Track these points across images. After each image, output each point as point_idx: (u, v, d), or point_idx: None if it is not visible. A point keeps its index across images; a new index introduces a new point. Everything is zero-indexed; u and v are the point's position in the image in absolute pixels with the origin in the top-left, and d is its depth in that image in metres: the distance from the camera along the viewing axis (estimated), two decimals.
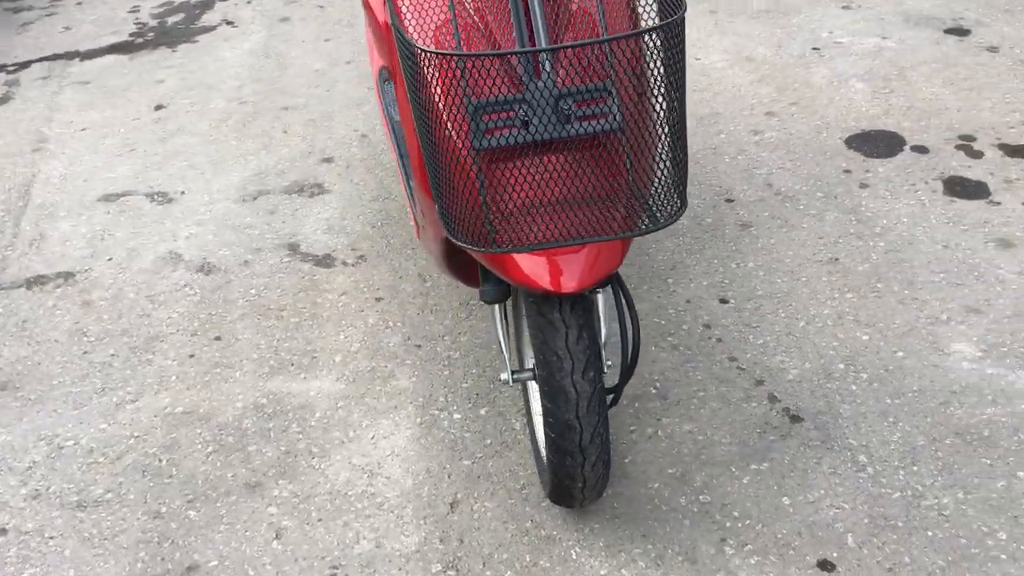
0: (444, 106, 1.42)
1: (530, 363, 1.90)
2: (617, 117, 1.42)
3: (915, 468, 1.87)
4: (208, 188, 3.02)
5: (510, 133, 1.41)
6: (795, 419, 2.00)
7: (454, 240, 1.43)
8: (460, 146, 1.42)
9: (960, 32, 3.71)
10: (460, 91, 1.39)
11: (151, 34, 4.29)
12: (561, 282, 1.48)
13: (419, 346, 2.29)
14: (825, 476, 1.87)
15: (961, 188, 2.73)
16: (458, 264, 1.85)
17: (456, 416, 2.08)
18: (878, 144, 2.99)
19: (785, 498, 1.83)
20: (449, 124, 1.42)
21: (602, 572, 1.71)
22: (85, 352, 2.35)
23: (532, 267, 1.49)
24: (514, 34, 1.51)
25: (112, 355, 2.34)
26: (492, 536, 1.80)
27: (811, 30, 3.84)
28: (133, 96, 3.69)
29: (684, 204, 1.40)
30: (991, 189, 2.71)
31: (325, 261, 2.62)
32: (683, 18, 1.30)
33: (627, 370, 1.63)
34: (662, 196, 1.40)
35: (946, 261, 2.44)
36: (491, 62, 1.42)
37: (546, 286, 1.48)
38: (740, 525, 1.78)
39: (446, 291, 2.47)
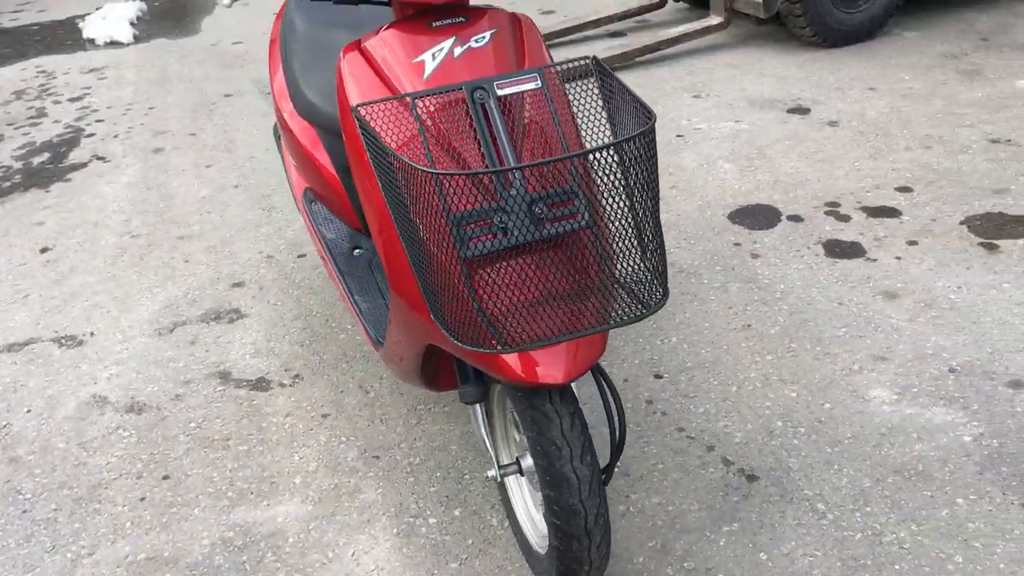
0: (430, 219, 1.50)
1: (505, 458, 1.96)
2: (586, 216, 1.55)
3: (868, 509, 2.03)
4: (118, 326, 2.95)
5: (493, 240, 1.51)
6: (751, 478, 2.14)
7: (459, 344, 1.50)
8: (449, 256, 1.51)
9: (801, 111, 4.10)
10: (442, 204, 1.48)
11: (18, 176, 4.17)
12: (554, 374, 1.57)
13: (377, 457, 2.31)
14: (792, 528, 2.00)
15: (839, 249, 3.01)
16: (430, 370, 1.90)
17: (432, 521, 2.10)
18: (758, 217, 3.25)
19: (762, 554, 1.95)
20: (436, 235, 1.51)
21: None
22: (24, 511, 2.24)
23: (524, 363, 1.57)
24: (481, 148, 1.62)
25: (55, 510, 2.23)
26: None
27: (671, 119, 4.15)
28: (14, 241, 3.57)
29: (666, 293, 1.52)
30: (865, 248, 3.00)
31: (261, 385, 2.61)
32: (653, 127, 1.44)
33: (617, 448, 1.72)
34: (646, 286, 1.52)
35: (844, 316, 2.67)
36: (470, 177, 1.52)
37: (541, 380, 1.56)
38: None
39: (390, 400, 2.50)
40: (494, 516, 2.10)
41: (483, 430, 1.84)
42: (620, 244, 1.53)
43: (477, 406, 1.83)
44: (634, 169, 1.46)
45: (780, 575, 1.89)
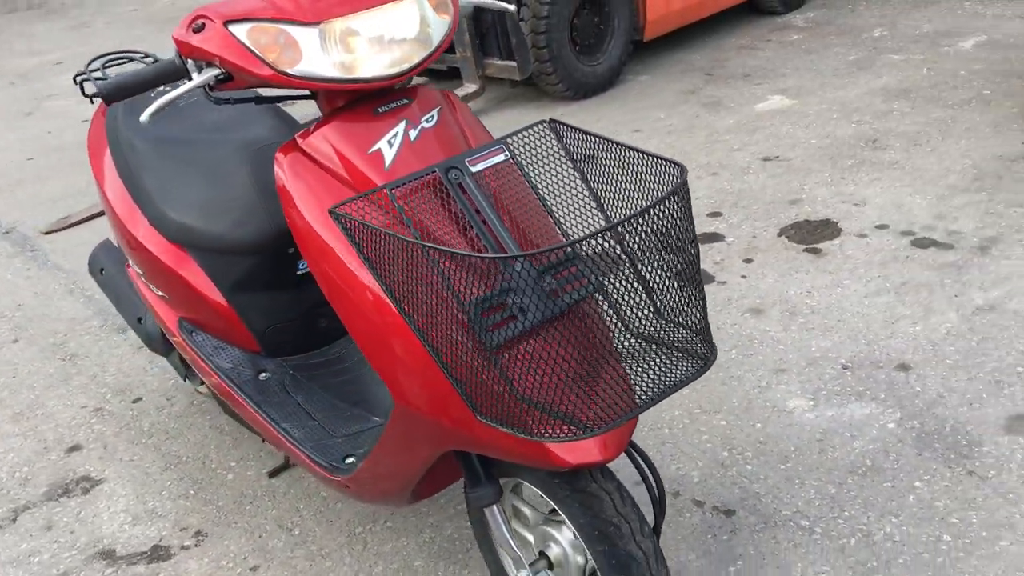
0: (455, 312, 1.38)
1: (523, 557, 1.81)
2: (592, 279, 1.48)
3: (847, 513, 2.09)
4: None
5: (514, 324, 1.41)
6: (728, 512, 2.14)
7: (530, 438, 1.36)
8: (476, 347, 1.39)
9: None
10: (455, 293, 1.37)
11: None
12: (600, 450, 1.48)
13: None
14: (791, 550, 2.01)
15: None
16: (427, 479, 1.73)
17: None
18: None
19: None
20: (467, 328, 1.39)
21: None
22: None
23: (568, 446, 1.46)
24: (470, 230, 1.52)
25: None
26: None
27: None
28: None
29: (713, 347, 1.46)
30: (712, 274, 3.15)
31: (159, 554, 2.24)
32: (686, 180, 1.40)
33: (661, 507, 1.64)
34: (693, 340, 1.46)
35: (728, 339, 2.77)
36: (475, 261, 1.40)
37: (593, 459, 1.46)
38: None
39: (321, 530, 2.24)
40: None
41: (505, 531, 1.69)
42: (635, 304, 1.47)
43: (495, 508, 1.68)
44: (667, 230, 1.41)
45: None
